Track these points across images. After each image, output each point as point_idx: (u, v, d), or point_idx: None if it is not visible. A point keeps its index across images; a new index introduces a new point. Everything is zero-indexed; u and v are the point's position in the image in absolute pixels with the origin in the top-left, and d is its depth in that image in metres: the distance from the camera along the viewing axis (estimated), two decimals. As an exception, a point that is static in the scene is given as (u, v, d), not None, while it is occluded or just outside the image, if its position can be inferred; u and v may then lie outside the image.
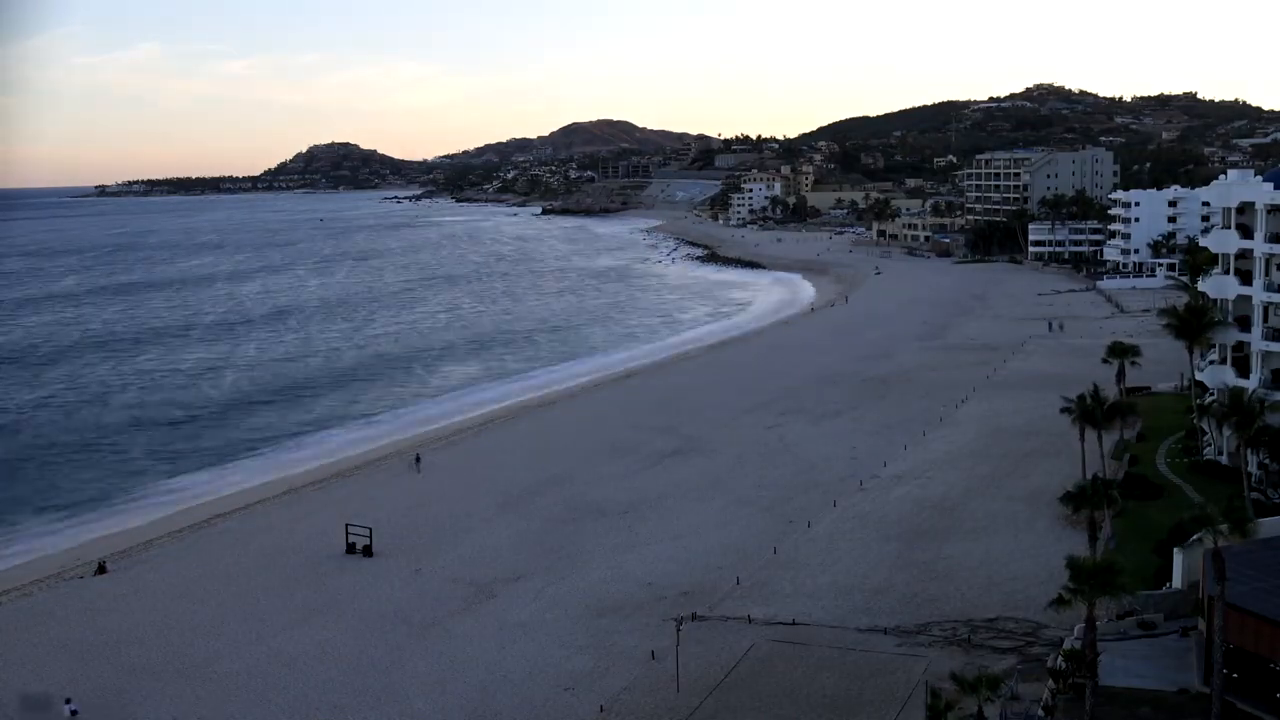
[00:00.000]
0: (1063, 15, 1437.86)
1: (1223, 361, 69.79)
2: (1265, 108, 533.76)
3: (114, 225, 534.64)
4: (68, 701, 45.30)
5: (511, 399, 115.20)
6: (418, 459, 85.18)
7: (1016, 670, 43.34)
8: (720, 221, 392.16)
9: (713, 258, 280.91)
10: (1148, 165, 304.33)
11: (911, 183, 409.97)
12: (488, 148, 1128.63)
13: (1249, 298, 67.24)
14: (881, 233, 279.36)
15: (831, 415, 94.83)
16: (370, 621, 54.35)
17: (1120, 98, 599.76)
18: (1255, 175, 75.62)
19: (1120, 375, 77.67)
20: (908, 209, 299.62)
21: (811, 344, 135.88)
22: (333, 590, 58.80)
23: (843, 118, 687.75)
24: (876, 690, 43.71)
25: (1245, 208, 67.92)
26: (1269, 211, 65.54)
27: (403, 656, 49.99)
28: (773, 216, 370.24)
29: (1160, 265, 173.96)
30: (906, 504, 68.13)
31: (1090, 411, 62.92)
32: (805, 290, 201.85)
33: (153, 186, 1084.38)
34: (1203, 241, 78.35)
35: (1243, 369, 67.87)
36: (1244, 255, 68.03)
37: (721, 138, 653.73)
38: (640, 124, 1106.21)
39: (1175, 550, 46.41)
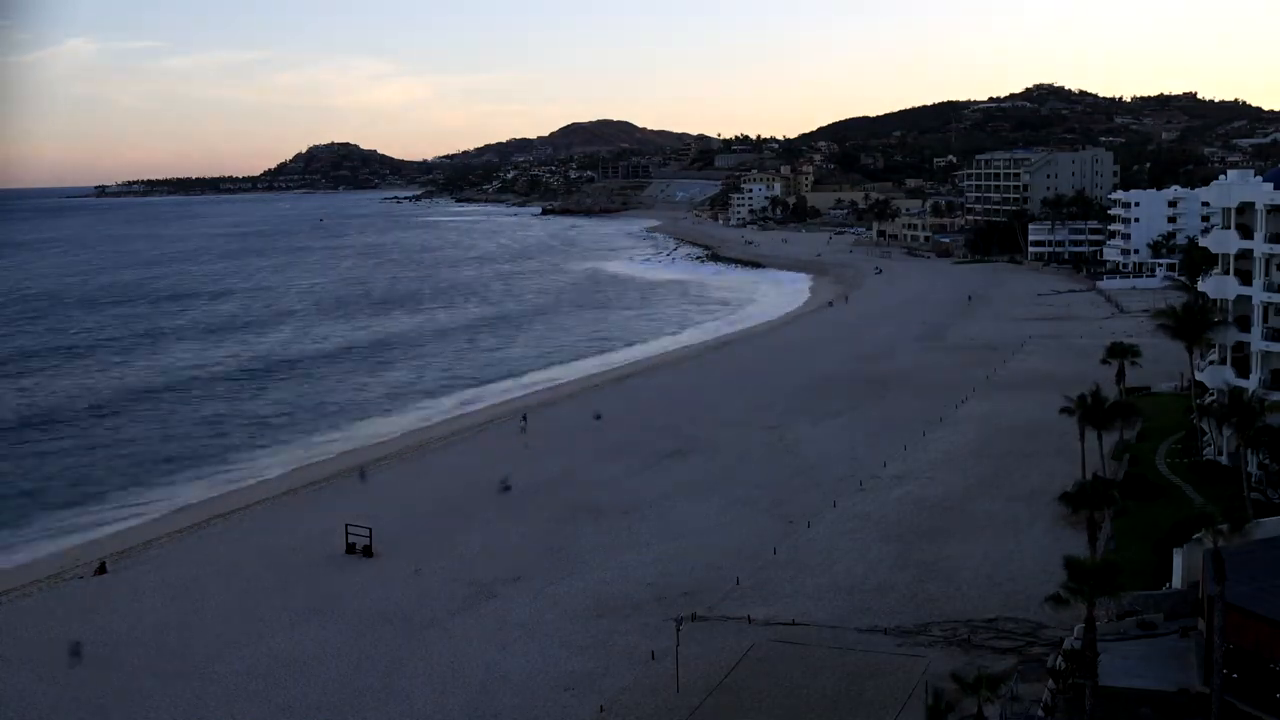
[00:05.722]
0: (1063, 15, 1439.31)
1: (1223, 362, 69.82)
2: (1265, 108, 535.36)
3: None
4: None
5: (511, 398, 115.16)
6: (524, 418, 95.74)
7: (1016, 670, 43.34)
8: (720, 221, 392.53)
9: (712, 258, 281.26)
10: (1148, 165, 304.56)
11: (911, 183, 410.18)
12: (488, 148, 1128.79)
13: (1249, 298, 67.28)
14: (881, 233, 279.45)
15: (831, 415, 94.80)
16: (370, 621, 54.33)
17: (1120, 98, 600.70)
18: (1255, 175, 75.62)
19: (1120, 375, 77.70)
20: (908, 209, 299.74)
21: (811, 344, 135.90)
22: (333, 590, 58.78)
23: (843, 118, 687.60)
24: (876, 690, 43.76)
25: (1245, 208, 67.97)
26: (1269, 211, 65.58)
27: (403, 656, 49.99)
28: (773, 217, 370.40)
29: (1160, 265, 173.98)
30: (906, 504, 68.11)
31: (1090, 411, 62.96)
32: (805, 290, 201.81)
33: (152, 187, 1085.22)
34: (1203, 241, 78.36)
35: (1242, 369, 67.89)
36: (1244, 255, 68.08)
37: (721, 138, 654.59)
38: (640, 124, 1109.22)
39: (1175, 550, 46.42)
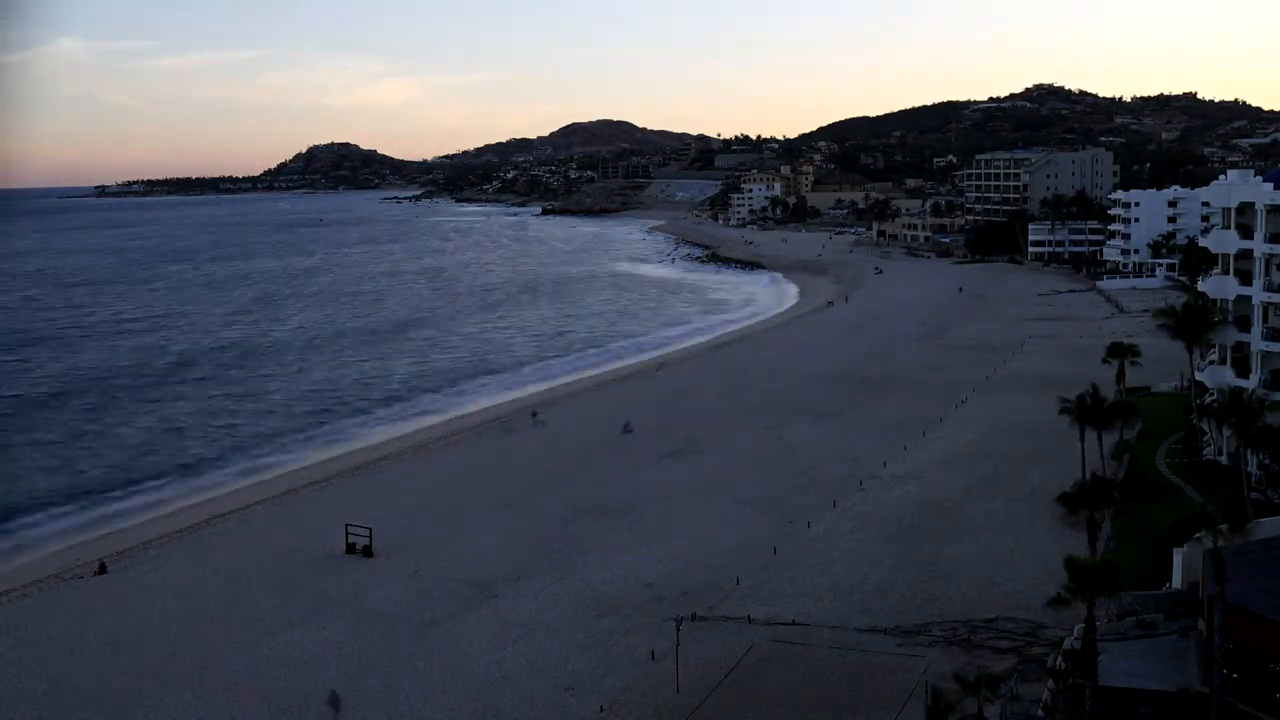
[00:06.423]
0: (1063, 15, 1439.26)
1: (1222, 361, 69.81)
2: (1265, 108, 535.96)
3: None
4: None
5: (512, 399, 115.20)
6: (535, 414, 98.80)
7: (1016, 670, 43.33)
8: (720, 222, 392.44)
9: (713, 258, 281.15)
10: (1148, 165, 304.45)
11: (911, 183, 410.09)
12: (487, 148, 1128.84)
13: (1249, 298, 67.27)
14: (881, 233, 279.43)
15: (831, 415, 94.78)
16: (370, 621, 54.35)
17: (1120, 98, 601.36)
18: (1255, 175, 75.61)
19: (1120, 375, 77.68)
20: (908, 209, 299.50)
21: (811, 344, 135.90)
22: (333, 590, 58.80)
23: (843, 118, 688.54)
24: (876, 690, 43.78)
25: (1245, 208, 67.96)
26: (1269, 211, 65.57)
27: (403, 656, 50.00)
28: (773, 217, 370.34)
29: (1160, 265, 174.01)
30: (906, 504, 68.10)
31: (1090, 411, 62.94)
32: (805, 290, 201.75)
33: (152, 187, 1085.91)
34: (1203, 241, 78.35)
35: (1242, 369, 67.88)
36: (1244, 255, 68.07)
37: (721, 138, 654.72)
38: (640, 124, 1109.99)
39: (1175, 550, 46.40)
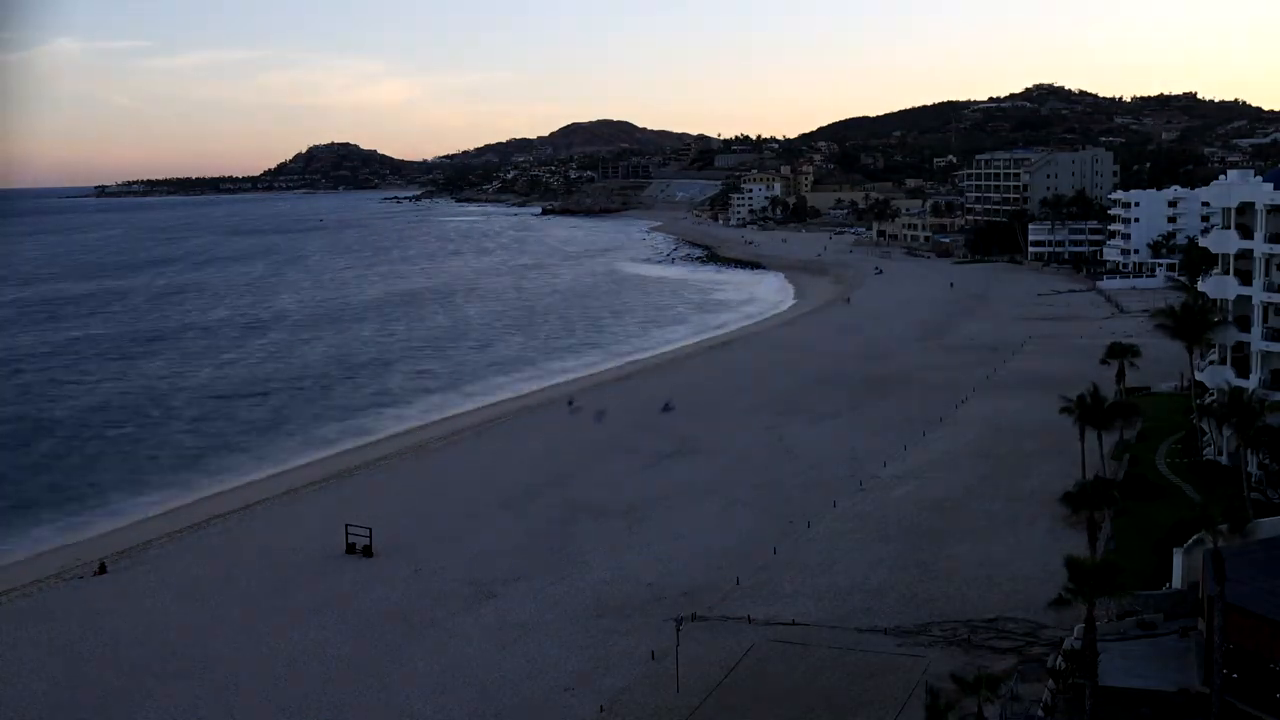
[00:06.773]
0: (1063, 15, 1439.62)
1: (1222, 361, 69.82)
2: (1265, 108, 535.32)
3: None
4: None
5: (511, 399, 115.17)
6: (571, 401, 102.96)
7: (1016, 670, 43.33)
8: (720, 222, 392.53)
9: (713, 258, 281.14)
10: (1148, 165, 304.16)
11: (911, 183, 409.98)
12: (488, 148, 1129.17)
13: (1249, 298, 67.30)
14: (881, 233, 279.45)
15: (831, 415, 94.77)
16: (370, 621, 54.35)
17: (1120, 98, 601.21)
18: (1255, 175, 75.63)
19: (1120, 375, 77.68)
20: (908, 209, 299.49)
21: (811, 344, 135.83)
22: (333, 590, 58.80)
23: (843, 118, 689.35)
24: (876, 690, 43.79)
25: (1245, 208, 68.00)
26: (1269, 211, 65.61)
27: (403, 656, 50.00)
28: (772, 217, 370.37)
29: (1160, 265, 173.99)
30: (906, 504, 68.10)
31: (1090, 411, 62.96)
32: (805, 290, 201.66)
33: (152, 187, 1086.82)
34: (1203, 241, 78.34)
35: (1242, 369, 67.89)
36: (1244, 255, 68.10)
37: (721, 138, 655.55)
38: (640, 124, 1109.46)
39: (1175, 550, 46.42)
